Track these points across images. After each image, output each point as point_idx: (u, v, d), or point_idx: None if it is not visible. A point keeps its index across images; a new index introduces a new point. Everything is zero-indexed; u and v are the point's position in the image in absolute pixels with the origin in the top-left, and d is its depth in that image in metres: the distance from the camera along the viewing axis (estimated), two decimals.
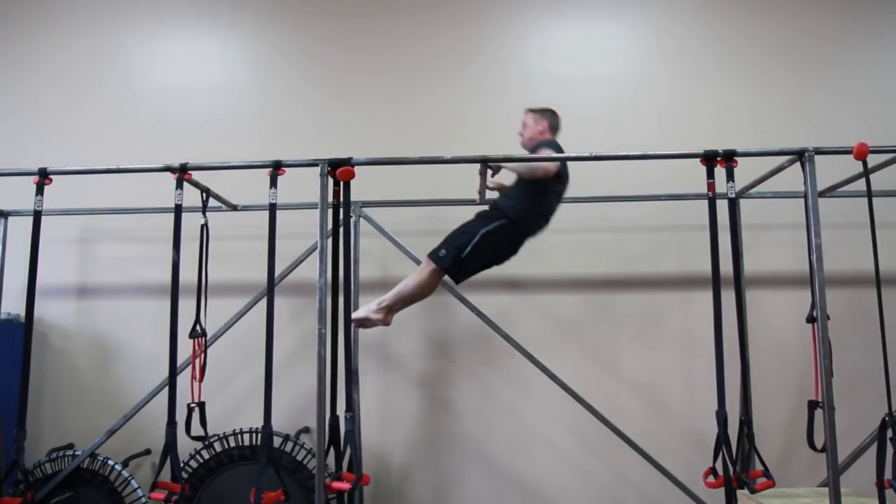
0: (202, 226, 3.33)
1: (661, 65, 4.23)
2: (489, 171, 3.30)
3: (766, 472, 2.78)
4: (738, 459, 2.90)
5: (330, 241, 3.10)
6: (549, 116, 3.43)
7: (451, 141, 4.00)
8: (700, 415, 3.83)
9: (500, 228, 3.14)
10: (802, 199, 2.95)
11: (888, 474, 2.77)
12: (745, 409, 2.92)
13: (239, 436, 3.69)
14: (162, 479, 2.99)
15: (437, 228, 4.00)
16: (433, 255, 3.13)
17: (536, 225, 3.26)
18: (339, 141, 4.04)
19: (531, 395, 3.93)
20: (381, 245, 3.93)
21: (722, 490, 2.81)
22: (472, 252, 3.09)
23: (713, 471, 2.87)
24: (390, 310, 3.17)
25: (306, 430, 3.91)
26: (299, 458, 3.65)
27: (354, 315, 3.17)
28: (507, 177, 3.34)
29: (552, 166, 3.08)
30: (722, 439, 2.81)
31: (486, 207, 3.29)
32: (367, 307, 3.17)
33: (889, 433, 2.80)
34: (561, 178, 3.26)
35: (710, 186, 2.97)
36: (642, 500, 3.87)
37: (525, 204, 3.19)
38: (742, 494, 2.96)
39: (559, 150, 3.22)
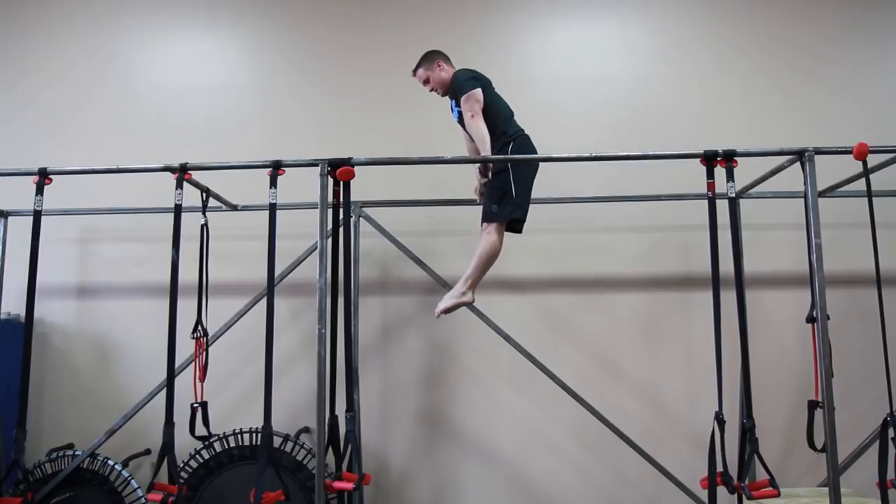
0: (202, 226, 3.33)
1: (660, 65, 4.23)
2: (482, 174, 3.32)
3: (773, 482, 2.74)
4: (739, 465, 2.88)
5: (330, 241, 3.10)
6: (435, 55, 3.44)
7: (451, 141, 3.99)
8: (700, 415, 3.83)
9: (514, 147, 3.22)
10: (802, 199, 2.95)
11: (890, 474, 2.77)
12: (748, 412, 2.87)
13: (239, 436, 3.70)
14: (160, 481, 2.99)
15: (437, 228, 4.03)
16: (488, 217, 3.17)
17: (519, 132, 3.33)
18: (339, 141, 4.04)
19: (531, 395, 3.93)
20: (381, 245, 3.93)
21: (722, 490, 2.80)
22: (517, 186, 3.16)
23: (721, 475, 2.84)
24: (474, 285, 3.20)
25: (306, 430, 3.91)
26: (299, 458, 3.65)
27: (441, 306, 3.17)
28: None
29: (479, 104, 3.22)
30: (713, 444, 2.79)
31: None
32: (452, 293, 3.19)
33: (891, 432, 2.80)
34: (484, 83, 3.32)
35: (710, 186, 2.97)
36: (642, 500, 3.87)
37: (502, 135, 3.25)
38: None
39: (469, 71, 3.32)
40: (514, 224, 3.25)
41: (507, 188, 3.17)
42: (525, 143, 3.28)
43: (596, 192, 3.89)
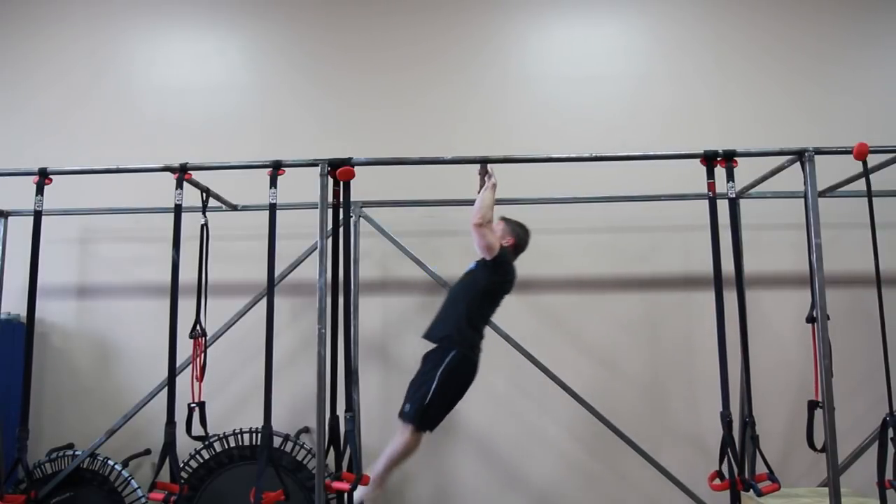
0: (202, 226, 3.33)
1: (661, 65, 4.23)
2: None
3: (771, 475, 2.76)
4: (742, 461, 2.89)
5: (330, 241, 3.10)
6: (519, 234, 3.32)
7: (452, 141, 4.00)
8: (700, 415, 3.83)
9: (454, 360, 3.10)
10: (802, 199, 2.95)
11: (889, 474, 2.77)
12: (749, 410, 2.90)
13: (239, 436, 3.70)
14: (161, 480, 2.99)
15: (438, 228, 4.03)
16: (403, 415, 3.09)
17: (480, 339, 3.22)
18: (339, 141, 4.04)
19: (531, 394, 3.93)
20: (381, 245, 3.93)
21: (725, 491, 2.81)
22: (435, 397, 3.06)
23: (719, 473, 2.85)
24: (384, 479, 3.17)
25: (306, 430, 3.91)
26: (299, 458, 3.65)
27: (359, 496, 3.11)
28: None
29: (495, 246, 3.08)
30: (727, 442, 2.80)
31: (432, 347, 3.23)
32: (363, 491, 3.10)
33: (890, 433, 2.80)
34: (507, 277, 3.19)
35: (711, 186, 2.97)
36: (642, 500, 3.87)
37: (467, 325, 3.14)
38: (745, 494, 2.95)
39: (508, 261, 3.18)
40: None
41: (425, 392, 3.07)
42: (467, 365, 3.16)
43: (596, 192, 3.89)
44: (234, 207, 3.88)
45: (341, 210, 3.14)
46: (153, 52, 4.40)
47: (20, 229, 3.73)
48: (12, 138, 4.32)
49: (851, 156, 2.87)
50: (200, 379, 3.23)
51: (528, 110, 4.18)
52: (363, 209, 3.85)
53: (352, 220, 3.64)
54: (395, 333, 4.06)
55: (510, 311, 3.93)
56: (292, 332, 4.03)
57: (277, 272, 3.19)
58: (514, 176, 3.42)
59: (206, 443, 3.60)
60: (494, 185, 3.12)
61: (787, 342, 3.86)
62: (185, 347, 3.23)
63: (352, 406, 3.11)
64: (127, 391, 3.99)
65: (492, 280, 3.17)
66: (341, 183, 3.09)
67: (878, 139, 3.15)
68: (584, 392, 3.72)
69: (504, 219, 3.35)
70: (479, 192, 3.44)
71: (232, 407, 3.96)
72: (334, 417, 3.07)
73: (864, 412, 3.61)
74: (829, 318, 2.82)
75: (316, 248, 3.13)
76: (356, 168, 3.05)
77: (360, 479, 2.97)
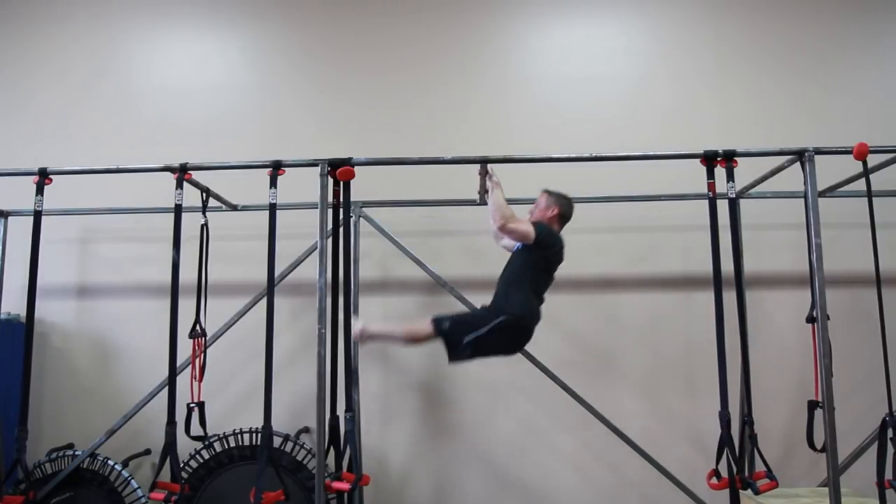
0: (202, 226, 3.33)
1: (661, 65, 4.23)
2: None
3: (769, 473, 2.78)
4: (741, 460, 2.90)
5: (330, 241, 3.10)
6: (563, 204, 3.22)
7: (452, 141, 4.00)
8: (700, 414, 3.83)
9: (508, 323, 2.94)
10: (802, 199, 2.95)
11: (888, 474, 2.77)
12: (748, 409, 2.92)
13: (239, 436, 3.70)
14: (162, 480, 2.99)
15: (437, 228, 4.03)
16: (438, 324, 2.95)
17: (538, 316, 3.08)
18: (339, 141, 4.04)
19: (531, 395, 3.93)
20: (381, 245, 3.93)
21: (723, 491, 2.81)
22: (479, 340, 2.92)
23: (716, 472, 2.86)
24: (371, 338, 3.13)
25: (306, 430, 3.91)
26: (299, 458, 3.65)
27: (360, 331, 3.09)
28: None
29: (529, 232, 2.97)
30: (725, 441, 2.81)
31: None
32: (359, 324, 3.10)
33: (889, 433, 2.81)
34: (554, 248, 3.08)
35: (711, 186, 2.97)
36: (642, 500, 3.87)
37: (525, 297, 3.01)
38: (744, 494, 2.96)
39: (550, 234, 3.07)
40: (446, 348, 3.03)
41: (474, 329, 2.92)
42: (520, 329, 3.01)
43: (596, 192, 3.89)
44: (234, 207, 3.88)
45: (341, 210, 3.14)
46: (153, 52, 4.40)
47: (20, 229, 3.74)
48: (12, 138, 4.32)
49: (851, 156, 2.87)
50: (200, 379, 3.23)
51: (528, 110, 4.18)
52: (363, 209, 3.85)
53: (352, 220, 3.64)
54: None
55: None
56: (292, 332, 4.03)
57: (277, 272, 3.19)
58: (514, 176, 3.41)
59: (206, 443, 3.60)
60: (498, 184, 3.11)
61: (787, 342, 3.85)
62: (185, 347, 3.23)
63: (352, 406, 3.12)
64: (127, 391, 3.99)
65: (543, 255, 3.06)
66: (341, 183, 3.09)
67: (878, 139, 3.15)
68: (584, 391, 3.72)
69: (546, 190, 3.26)
70: (479, 193, 3.44)
71: (232, 407, 3.96)
72: (334, 417, 3.07)
73: (864, 412, 3.60)
74: (829, 318, 2.82)
75: (316, 248, 3.13)
76: (356, 168, 3.05)
77: (359, 479, 2.97)
